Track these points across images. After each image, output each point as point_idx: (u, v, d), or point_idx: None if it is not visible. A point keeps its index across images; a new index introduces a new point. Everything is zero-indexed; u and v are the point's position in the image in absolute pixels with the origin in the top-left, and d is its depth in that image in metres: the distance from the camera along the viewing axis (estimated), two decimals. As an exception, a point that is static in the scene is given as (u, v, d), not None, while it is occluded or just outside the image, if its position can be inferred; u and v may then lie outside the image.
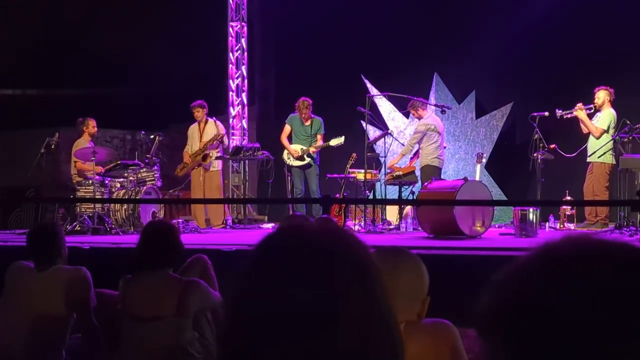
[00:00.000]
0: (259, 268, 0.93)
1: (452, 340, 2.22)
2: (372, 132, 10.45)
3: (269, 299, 0.88)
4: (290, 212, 10.15)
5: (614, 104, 8.69)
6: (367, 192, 9.61)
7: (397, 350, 0.94)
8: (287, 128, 9.93)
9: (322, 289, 0.88)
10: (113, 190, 9.23)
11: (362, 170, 9.41)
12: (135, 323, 3.66)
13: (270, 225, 10.19)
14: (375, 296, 0.92)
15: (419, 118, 9.42)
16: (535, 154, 8.71)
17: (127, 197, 9.06)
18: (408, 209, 9.25)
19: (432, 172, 9.10)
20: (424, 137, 9.24)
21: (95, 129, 9.81)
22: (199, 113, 9.95)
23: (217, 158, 9.93)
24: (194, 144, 10.01)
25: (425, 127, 9.22)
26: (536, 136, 8.72)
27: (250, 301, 0.90)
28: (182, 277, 3.80)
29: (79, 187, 9.18)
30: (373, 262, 0.95)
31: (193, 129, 10.11)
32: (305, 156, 9.74)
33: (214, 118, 10.10)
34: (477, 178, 8.91)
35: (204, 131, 9.94)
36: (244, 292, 0.92)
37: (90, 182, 9.00)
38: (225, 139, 10.37)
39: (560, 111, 8.72)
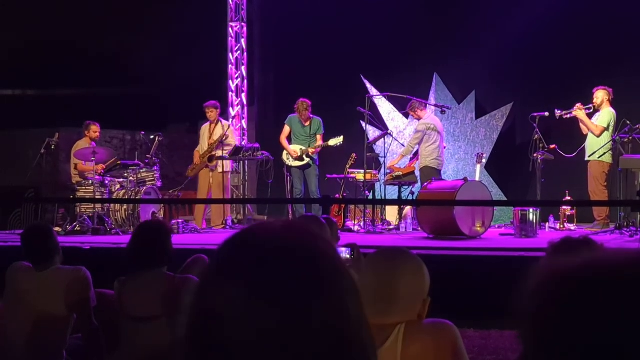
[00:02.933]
0: (216, 272, 0.91)
1: (453, 340, 2.22)
2: (372, 132, 10.45)
3: (221, 295, 0.86)
4: (290, 213, 10.16)
5: (612, 103, 8.70)
6: (367, 192, 9.61)
7: (367, 356, 0.91)
8: (286, 129, 9.93)
9: (282, 295, 0.85)
10: (113, 190, 9.23)
11: (362, 171, 9.41)
12: (132, 323, 3.66)
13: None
14: (344, 301, 0.89)
15: (418, 119, 9.42)
16: (535, 154, 8.71)
17: (127, 197, 9.06)
18: (408, 209, 9.26)
19: (431, 173, 9.10)
20: (424, 138, 9.25)
21: (97, 134, 9.80)
22: (212, 113, 9.95)
23: (217, 158, 9.92)
24: (203, 144, 10.03)
25: (425, 127, 9.22)
26: (536, 136, 8.73)
27: (210, 309, 0.88)
28: (176, 275, 3.81)
29: (79, 188, 9.18)
30: (342, 265, 0.92)
31: (204, 129, 10.12)
32: (304, 157, 9.74)
33: (221, 119, 10.14)
34: (477, 178, 8.91)
35: (213, 132, 9.95)
36: (201, 287, 0.90)
37: (90, 182, 9.01)
38: (234, 139, 10.36)
39: (560, 111, 8.73)
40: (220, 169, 9.97)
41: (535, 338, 0.80)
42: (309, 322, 0.85)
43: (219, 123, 9.97)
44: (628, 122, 8.26)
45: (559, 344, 0.77)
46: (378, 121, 10.43)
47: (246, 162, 10.69)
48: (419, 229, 8.40)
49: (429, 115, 9.58)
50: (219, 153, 9.89)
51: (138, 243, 3.77)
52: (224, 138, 9.85)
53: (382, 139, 9.67)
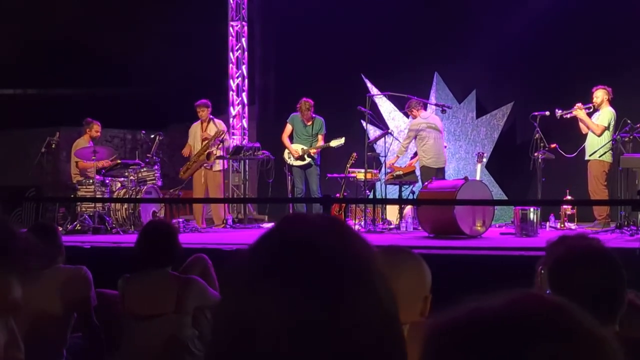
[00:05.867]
0: (256, 265, 0.89)
1: None
2: (373, 131, 10.45)
3: (265, 299, 0.85)
4: (292, 212, 10.16)
5: (612, 102, 8.70)
6: (368, 191, 9.61)
7: (403, 351, 0.91)
8: (288, 127, 9.92)
9: (324, 289, 0.85)
10: (114, 189, 9.23)
11: (363, 170, 9.41)
12: (135, 322, 3.67)
13: (270, 225, 10.17)
14: (380, 297, 0.89)
15: (415, 118, 9.43)
16: (535, 154, 8.71)
17: (127, 196, 9.06)
18: (408, 208, 9.25)
19: (430, 172, 9.11)
20: (417, 137, 9.27)
21: (99, 133, 9.80)
22: (204, 112, 9.92)
23: (217, 157, 9.93)
24: (195, 143, 10.00)
25: (416, 127, 9.26)
26: (537, 136, 8.72)
27: (245, 300, 0.86)
28: (180, 275, 3.82)
29: (79, 187, 9.18)
30: (378, 262, 0.93)
31: (195, 128, 10.08)
32: (305, 156, 9.74)
33: (213, 117, 10.09)
34: (478, 177, 8.91)
35: (206, 130, 9.93)
36: (240, 291, 0.88)
37: (91, 181, 9.01)
38: (227, 138, 10.36)
39: (560, 111, 8.73)
40: (216, 168, 9.96)
41: None
42: (356, 322, 0.85)
43: (211, 122, 9.95)
44: (629, 121, 8.26)
45: None
46: (379, 120, 10.42)
47: (247, 161, 10.69)
48: (420, 228, 8.40)
49: (429, 115, 9.58)
50: (216, 151, 9.88)
51: (147, 242, 3.78)
52: (221, 135, 9.82)
53: (383, 138, 9.66)
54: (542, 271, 2.16)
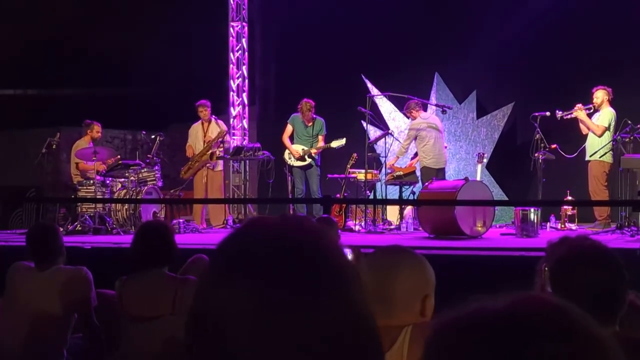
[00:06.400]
0: (219, 261, 0.91)
1: None
2: (373, 132, 10.45)
3: (228, 292, 0.86)
4: (291, 213, 10.16)
5: (612, 103, 8.69)
6: (368, 192, 9.61)
7: (375, 355, 0.91)
8: (288, 128, 9.92)
9: (286, 282, 0.85)
10: (114, 190, 9.23)
11: (363, 171, 9.41)
12: (133, 323, 3.67)
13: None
14: (351, 299, 0.89)
15: (414, 119, 9.43)
16: (536, 154, 8.71)
17: (128, 197, 9.05)
18: (409, 209, 9.25)
19: (430, 173, 9.10)
20: (417, 138, 9.26)
21: (100, 134, 9.81)
22: (204, 112, 9.93)
23: (218, 158, 9.93)
24: (197, 143, 10.00)
25: (416, 128, 9.25)
26: (537, 136, 8.72)
27: (210, 295, 0.88)
28: (178, 275, 3.81)
29: (80, 187, 9.18)
30: (348, 262, 0.92)
31: (196, 128, 10.09)
32: (306, 157, 9.74)
33: (215, 117, 10.09)
34: (478, 178, 8.91)
35: (207, 130, 9.94)
36: (206, 286, 0.90)
37: (92, 182, 9.01)
38: (228, 139, 10.36)
39: (560, 112, 8.73)
40: (217, 168, 9.98)
41: None
42: (316, 316, 0.85)
43: (212, 122, 9.95)
44: (629, 121, 8.26)
45: None
46: (379, 121, 10.42)
47: (247, 161, 10.69)
48: (420, 228, 8.40)
49: (429, 115, 9.58)
50: (219, 151, 9.89)
51: (142, 243, 3.77)
52: (223, 136, 9.84)
53: (383, 138, 9.66)
54: (546, 268, 2.15)
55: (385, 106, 11.19)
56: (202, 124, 10.01)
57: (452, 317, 0.82)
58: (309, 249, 0.90)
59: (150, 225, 4.17)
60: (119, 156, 9.75)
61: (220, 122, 10.04)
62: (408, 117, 10.67)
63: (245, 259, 0.88)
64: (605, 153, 8.58)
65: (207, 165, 9.86)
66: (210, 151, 9.82)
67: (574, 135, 9.00)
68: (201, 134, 9.97)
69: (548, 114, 8.72)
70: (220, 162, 10.02)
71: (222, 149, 9.98)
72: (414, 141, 9.42)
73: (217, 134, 9.83)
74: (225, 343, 0.85)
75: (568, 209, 8.87)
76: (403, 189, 9.61)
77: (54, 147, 9.62)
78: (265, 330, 0.84)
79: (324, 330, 0.85)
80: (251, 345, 0.84)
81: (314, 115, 9.75)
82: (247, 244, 0.91)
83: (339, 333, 0.86)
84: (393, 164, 9.54)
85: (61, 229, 8.59)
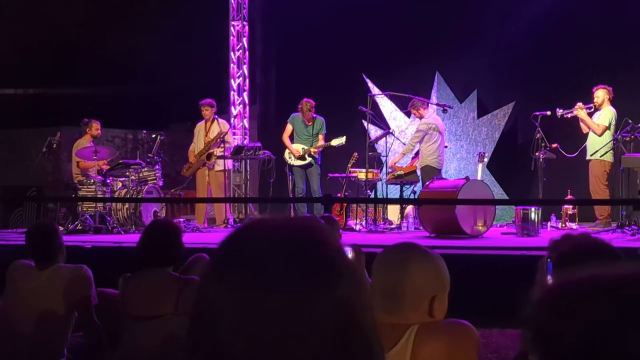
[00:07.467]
0: (215, 259, 0.92)
1: (467, 343, 2.09)
2: (374, 131, 10.45)
3: (222, 287, 0.87)
4: (292, 212, 10.16)
5: (613, 102, 8.69)
6: (369, 191, 9.61)
7: (373, 356, 0.90)
8: (289, 127, 9.92)
9: (288, 289, 0.85)
10: (115, 189, 9.23)
11: (364, 170, 9.41)
12: (135, 322, 3.66)
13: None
14: (349, 298, 0.88)
15: (420, 117, 9.40)
16: (537, 153, 8.70)
17: (128, 196, 9.06)
18: (409, 208, 9.25)
19: (432, 172, 9.10)
20: (425, 137, 9.23)
21: (99, 131, 9.81)
22: (207, 112, 9.93)
23: (218, 157, 9.93)
24: (199, 142, 10.02)
25: (426, 127, 9.21)
26: (538, 135, 8.72)
27: (214, 305, 0.88)
28: (181, 275, 3.81)
29: (80, 187, 9.18)
30: (348, 261, 0.92)
31: (199, 127, 10.10)
32: (306, 156, 9.74)
33: (217, 117, 10.10)
34: (479, 177, 8.91)
35: (209, 130, 9.94)
36: (202, 284, 0.91)
37: (92, 181, 9.01)
38: (231, 138, 10.36)
39: (561, 110, 8.72)
40: (217, 168, 9.97)
41: (540, 348, 0.82)
42: (311, 313, 0.85)
43: (215, 121, 9.95)
44: (630, 120, 8.25)
45: (562, 356, 0.80)
46: (380, 120, 10.42)
47: (248, 161, 10.69)
48: (421, 228, 8.40)
49: (431, 115, 9.57)
50: (217, 151, 9.89)
51: (148, 241, 3.77)
52: (223, 136, 9.84)
53: (384, 138, 9.66)
54: (548, 260, 2.14)
55: (386, 105, 11.19)
56: (205, 123, 10.02)
57: (561, 282, 0.85)
58: (309, 248, 0.90)
59: (158, 224, 4.16)
60: (117, 155, 9.75)
61: (222, 122, 10.05)
62: (410, 116, 10.68)
63: (243, 258, 0.89)
64: (606, 152, 8.57)
65: (205, 165, 9.86)
66: (208, 152, 9.82)
67: (574, 135, 9.00)
68: (203, 134, 9.98)
69: (549, 113, 8.72)
70: (221, 161, 10.01)
71: (222, 149, 9.96)
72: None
73: (216, 134, 9.83)
74: (221, 341, 0.85)
75: (569, 208, 8.86)
76: (404, 189, 9.61)
77: (54, 146, 9.62)
78: (261, 330, 0.84)
79: (321, 329, 0.85)
80: (247, 344, 0.84)
81: (314, 115, 9.75)
82: (246, 243, 0.91)
83: (337, 332, 0.86)
84: (395, 163, 9.53)
85: (62, 228, 8.62)
